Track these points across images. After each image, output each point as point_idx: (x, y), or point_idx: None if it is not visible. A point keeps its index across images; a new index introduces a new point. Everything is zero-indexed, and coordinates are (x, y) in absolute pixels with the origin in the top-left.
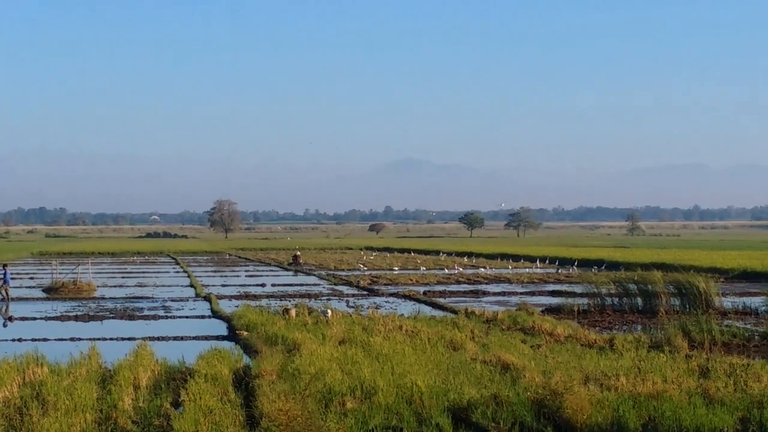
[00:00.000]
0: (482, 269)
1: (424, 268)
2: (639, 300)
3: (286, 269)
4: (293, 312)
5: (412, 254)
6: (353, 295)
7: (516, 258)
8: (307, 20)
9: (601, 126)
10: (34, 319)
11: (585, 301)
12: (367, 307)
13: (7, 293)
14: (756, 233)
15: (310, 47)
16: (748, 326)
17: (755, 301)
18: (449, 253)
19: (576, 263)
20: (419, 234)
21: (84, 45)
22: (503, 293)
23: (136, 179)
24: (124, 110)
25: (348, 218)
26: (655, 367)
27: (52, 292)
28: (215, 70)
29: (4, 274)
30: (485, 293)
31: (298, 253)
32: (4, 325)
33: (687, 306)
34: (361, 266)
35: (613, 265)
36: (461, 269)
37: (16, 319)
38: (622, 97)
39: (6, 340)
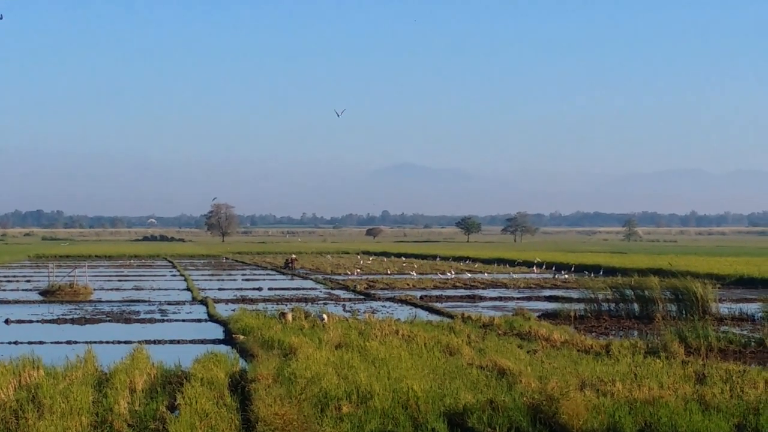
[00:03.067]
0: (468, 274)
1: (414, 273)
2: (635, 306)
3: (283, 273)
4: (290, 316)
5: (410, 259)
6: (350, 300)
7: (513, 263)
8: (305, 23)
9: (598, 131)
10: (31, 321)
11: (582, 306)
12: (364, 312)
13: None
14: (753, 239)
15: (308, 50)
16: (745, 332)
17: (752, 308)
18: (446, 258)
19: (573, 269)
20: (416, 238)
21: (82, 44)
22: (500, 298)
23: (133, 182)
24: (121, 112)
25: (345, 222)
26: (651, 373)
27: (49, 295)
28: (213, 73)
29: None
30: (482, 298)
31: (294, 257)
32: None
33: (684, 312)
34: (357, 271)
35: (610, 271)
36: (455, 274)
37: (12, 321)
38: (620, 102)
39: (2, 343)
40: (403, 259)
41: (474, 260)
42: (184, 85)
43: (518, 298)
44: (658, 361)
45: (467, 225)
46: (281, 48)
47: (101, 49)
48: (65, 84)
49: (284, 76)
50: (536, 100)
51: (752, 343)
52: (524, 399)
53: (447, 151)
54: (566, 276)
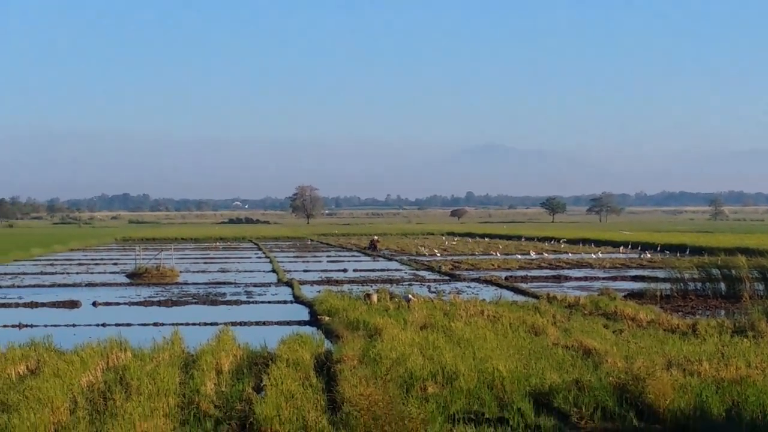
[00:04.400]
0: (553, 254)
1: (499, 254)
2: (722, 285)
3: (368, 254)
4: (375, 297)
5: (494, 239)
6: (435, 280)
7: (598, 243)
8: (390, 6)
9: (682, 110)
10: (118, 304)
11: (667, 286)
12: (449, 292)
13: None
14: None
15: (392, 32)
16: None
17: None
18: (531, 238)
19: (659, 248)
20: (501, 219)
21: (171, 30)
22: (585, 278)
23: (218, 165)
24: (206, 95)
25: (429, 204)
26: (738, 352)
27: (136, 277)
28: (297, 53)
29: None
30: (567, 278)
31: (377, 238)
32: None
33: None
34: (442, 251)
35: (696, 251)
36: (538, 254)
37: (100, 304)
38: (704, 81)
39: (90, 325)
40: (488, 239)
41: (558, 240)
42: (268, 66)
43: (603, 278)
44: (745, 340)
45: (552, 205)
46: (364, 31)
47: (189, 34)
48: (150, 70)
49: (369, 55)
50: (621, 81)
51: None
52: (610, 379)
53: (531, 131)
54: (651, 256)
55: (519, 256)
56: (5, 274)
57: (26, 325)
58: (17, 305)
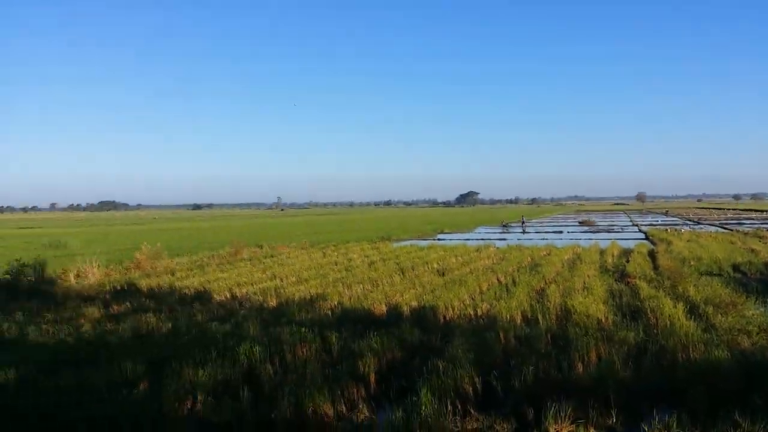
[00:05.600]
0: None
1: (717, 215)
2: None
3: (665, 215)
4: (667, 229)
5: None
6: (691, 224)
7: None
8: None
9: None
10: (576, 233)
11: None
12: (695, 230)
13: (524, 228)
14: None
15: None
16: None
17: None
18: (734, 209)
19: None
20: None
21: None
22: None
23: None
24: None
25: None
26: None
27: (581, 224)
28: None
29: (523, 220)
30: (742, 224)
31: (667, 210)
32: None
33: None
34: (692, 215)
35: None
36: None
37: (568, 233)
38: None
39: (564, 240)
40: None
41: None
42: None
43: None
44: None
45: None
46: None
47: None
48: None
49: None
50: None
51: None
52: (763, 259)
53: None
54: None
55: (755, 215)
56: (536, 223)
57: (545, 238)
58: (538, 232)
